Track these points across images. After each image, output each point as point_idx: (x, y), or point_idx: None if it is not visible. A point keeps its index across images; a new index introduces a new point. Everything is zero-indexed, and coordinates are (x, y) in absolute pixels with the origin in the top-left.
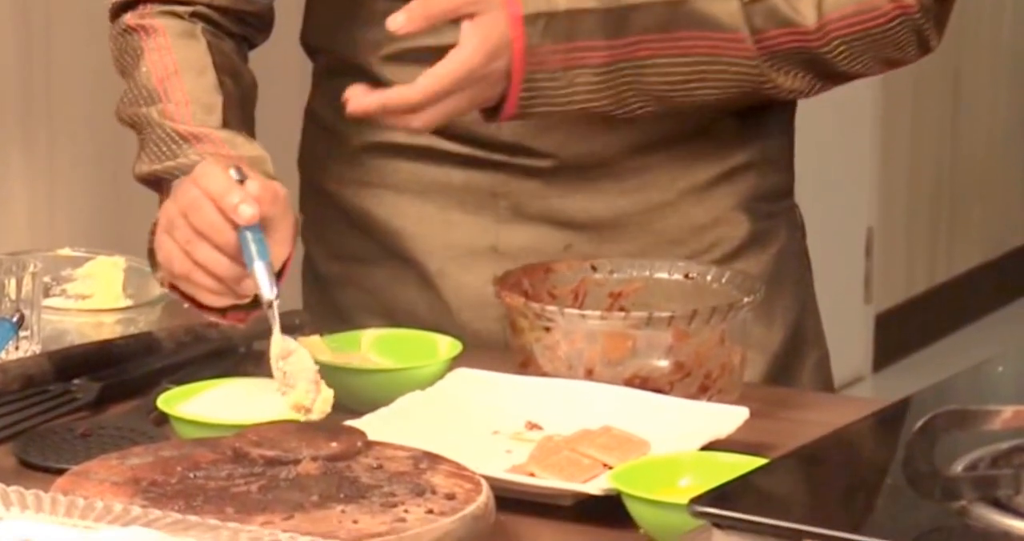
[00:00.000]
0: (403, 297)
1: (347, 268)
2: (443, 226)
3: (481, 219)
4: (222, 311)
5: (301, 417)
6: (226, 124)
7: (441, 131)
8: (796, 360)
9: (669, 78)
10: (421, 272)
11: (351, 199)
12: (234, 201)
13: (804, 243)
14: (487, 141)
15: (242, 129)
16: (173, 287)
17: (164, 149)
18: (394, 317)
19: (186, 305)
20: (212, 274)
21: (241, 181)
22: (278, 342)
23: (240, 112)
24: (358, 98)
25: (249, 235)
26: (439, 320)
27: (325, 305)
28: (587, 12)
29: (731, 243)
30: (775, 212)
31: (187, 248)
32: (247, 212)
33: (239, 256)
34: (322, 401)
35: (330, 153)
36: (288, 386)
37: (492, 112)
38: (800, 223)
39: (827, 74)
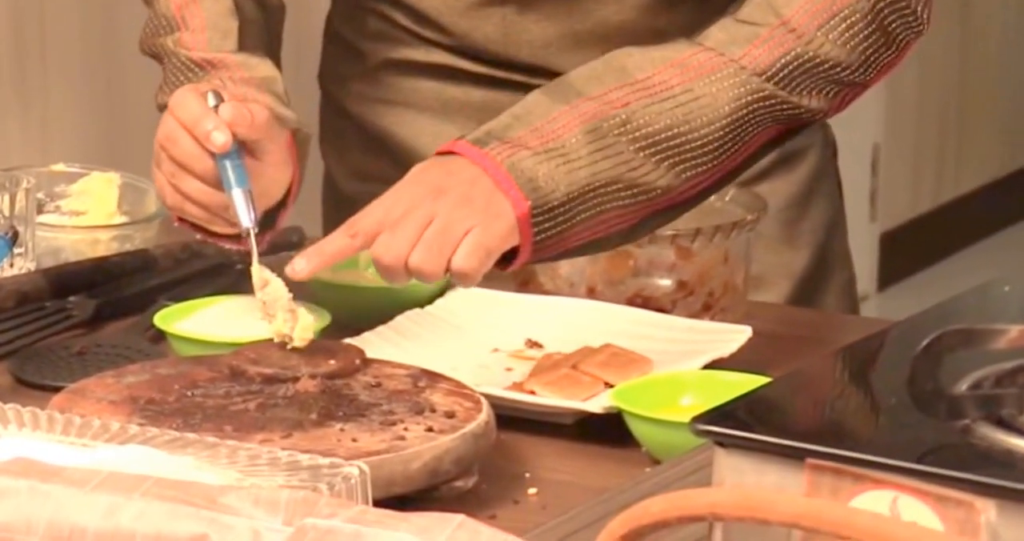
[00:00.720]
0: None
1: (367, 188)
2: None
3: None
4: (234, 237)
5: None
6: (243, 48)
7: (458, 50)
8: (822, 283)
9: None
10: None
11: (371, 118)
12: (207, 128)
13: (835, 162)
14: (505, 61)
15: (263, 52)
16: (181, 220)
17: (181, 78)
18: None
19: (199, 236)
20: (199, 204)
21: (217, 106)
22: (256, 272)
23: (262, 35)
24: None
25: (227, 163)
26: None
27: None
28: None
29: (760, 162)
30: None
31: (173, 181)
32: (219, 139)
33: (221, 184)
34: (301, 329)
35: (350, 71)
36: (269, 315)
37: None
38: (831, 141)
39: (838, 79)
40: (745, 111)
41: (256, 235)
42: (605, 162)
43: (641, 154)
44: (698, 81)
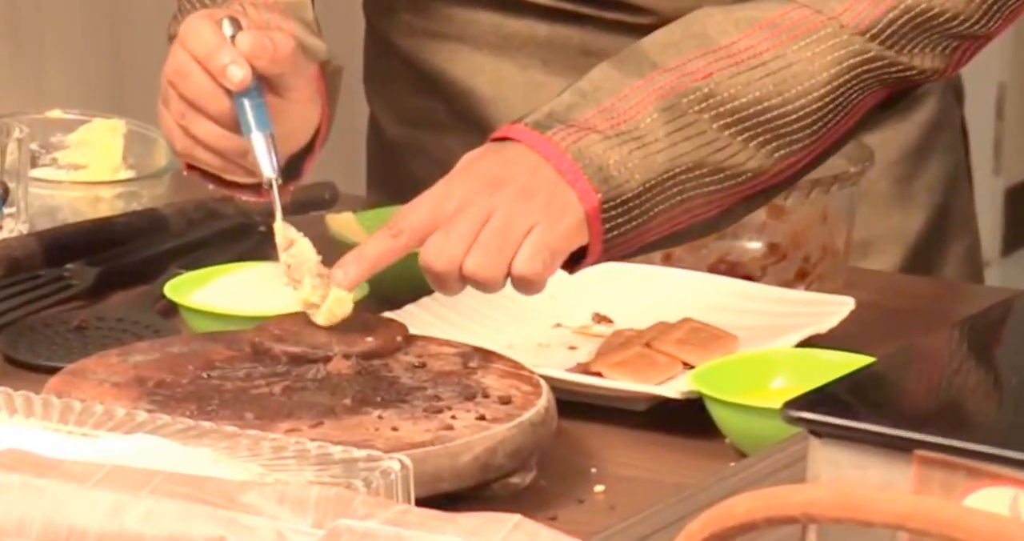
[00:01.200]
0: None
1: (416, 133)
2: (524, 88)
3: (568, 81)
4: (253, 188)
5: (315, 318)
6: None
7: None
8: (939, 250)
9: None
10: None
11: (421, 53)
12: (223, 62)
13: (960, 109)
14: None
15: None
16: (191, 168)
17: (196, 4)
18: None
19: (211, 187)
20: (213, 150)
21: (235, 36)
22: (280, 230)
23: None
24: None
25: (245, 101)
26: None
27: (391, 175)
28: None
29: None
30: None
31: (183, 123)
32: (236, 75)
33: (239, 127)
34: (335, 302)
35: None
36: (294, 281)
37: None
38: (956, 84)
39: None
40: (847, 77)
41: (280, 186)
42: (686, 144)
43: (727, 133)
44: (791, 45)
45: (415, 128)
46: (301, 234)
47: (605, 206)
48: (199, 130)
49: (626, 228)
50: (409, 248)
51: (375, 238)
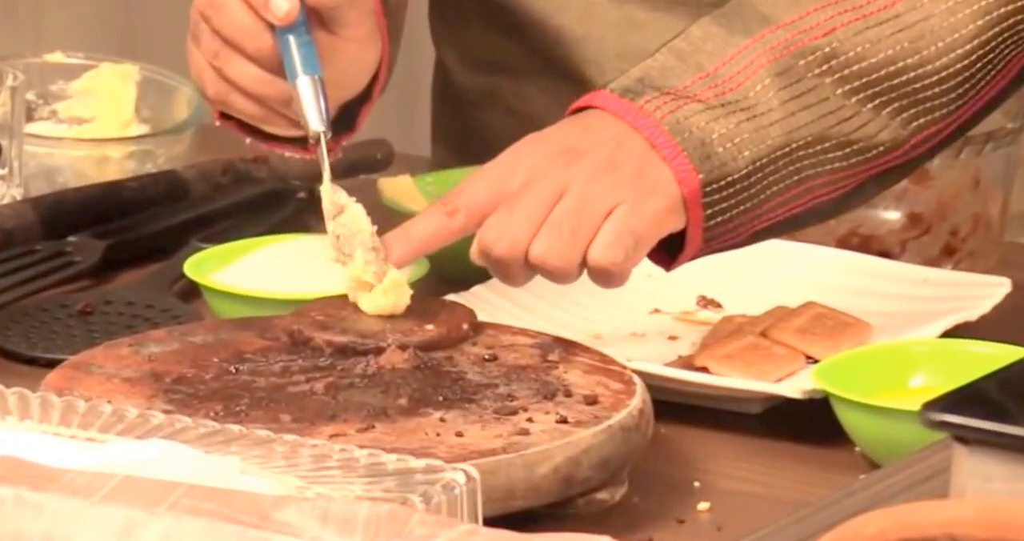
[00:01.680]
0: None
1: (490, 81)
2: (619, 26)
3: (673, 19)
4: (297, 142)
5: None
6: None
7: None
8: None
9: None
10: (587, 89)
11: None
12: None
13: None
14: None
15: None
16: (224, 116)
17: None
18: None
19: (247, 140)
20: (251, 96)
21: None
22: (327, 194)
23: None
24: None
25: (291, 39)
26: None
27: (459, 129)
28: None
29: None
30: None
31: (216, 64)
32: (281, 6)
33: (282, 68)
34: (392, 287)
35: None
36: (343, 255)
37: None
38: None
39: None
40: (996, 29)
41: (329, 140)
42: (805, 114)
43: (854, 100)
44: None
45: (488, 74)
46: (353, 199)
47: (707, 188)
48: (235, 72)
49: (732, 213)
50: (466, 230)
51: (427, 214)
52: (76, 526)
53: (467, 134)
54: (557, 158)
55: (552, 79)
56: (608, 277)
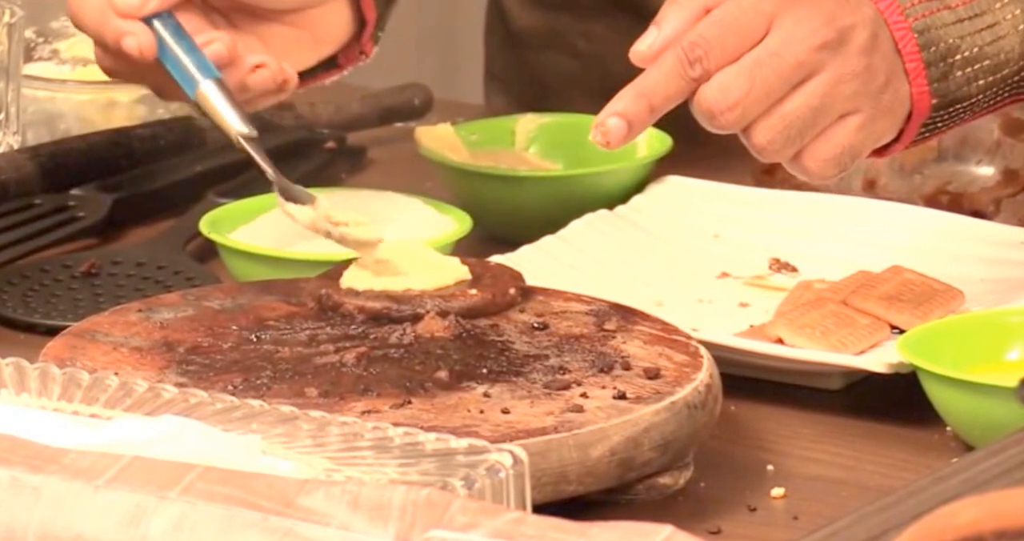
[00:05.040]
0: (634, 67)
1: (551, 21)
2: None
3: None
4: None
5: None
6: None
7: None
8: None
9: None
10: None
11: None
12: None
13: None
14: None
15: None
16: None
17: None
18: (612, 95)
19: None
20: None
21: None
22: (300, 210)
23: None
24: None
25: (174, 48)
26: None
27: (516, 73)
28: None
29: None
30: None
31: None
32: (132, 47)
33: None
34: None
35: None
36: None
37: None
38: None
39: None
40: None
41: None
42: None
43: None
44: None
45: (552, 12)
46: (312, 198)
47: (934, 115)
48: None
49: (942, 127)
50: (701, 82)
51: (659, 65)
52: (78, 513)
53: (525, 78)
54: (818, 30)
55: (621, 17)
56: (811, 178)
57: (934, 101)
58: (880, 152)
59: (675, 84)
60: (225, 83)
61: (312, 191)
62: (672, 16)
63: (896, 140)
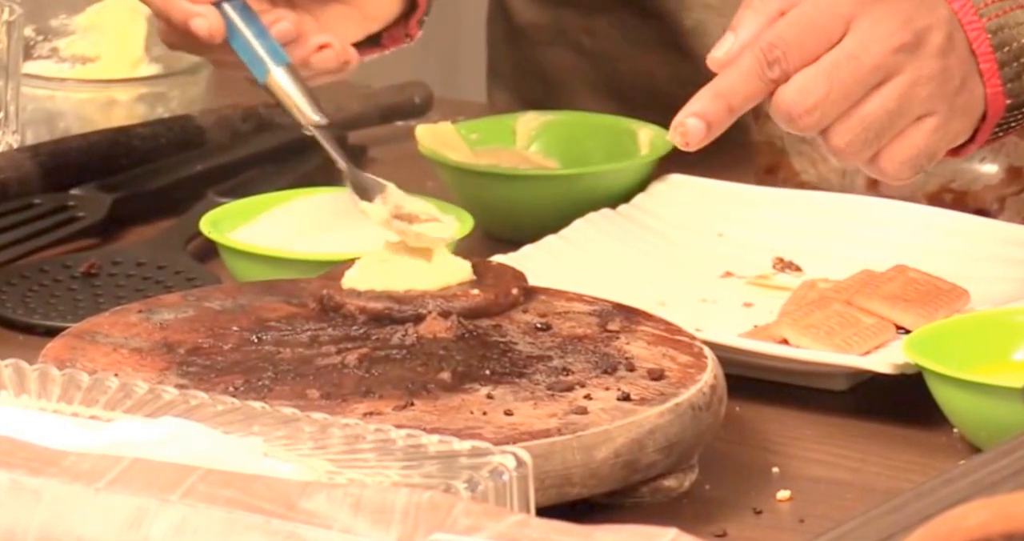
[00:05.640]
0: (638, 63)
1: (554, 17)
2: None
3: None
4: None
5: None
6: None
7: None
8: None
9: None
10: (668, 27)
11: None
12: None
13: None
14: None
15: None
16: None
17: None
18: (620, 92)
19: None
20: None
21: None
22: (371, 209)
23: None
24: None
25: (246, 34)
26: (683, 98)
27: (520, 70)
28: None
29: None
30: None
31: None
32: (203, 28)
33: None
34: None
35: None
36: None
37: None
38: None
39: None
40: None
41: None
42: None
43: None
44: None
45: (556, 7)
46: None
47: (1007, 116)
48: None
49: (1015, 126)
50: (779, 83)
51: (737, 66)
52: (79, 516)
53: (529, 75)
54: (895, 32)
55: (629, 15)
56: (887, 181)
57: (1008, 101)
58: (955, 152)
59: (753, 85)
60: (296, 70)
61: (380, 180)
62: (748, 20)
63: (970, 140)
